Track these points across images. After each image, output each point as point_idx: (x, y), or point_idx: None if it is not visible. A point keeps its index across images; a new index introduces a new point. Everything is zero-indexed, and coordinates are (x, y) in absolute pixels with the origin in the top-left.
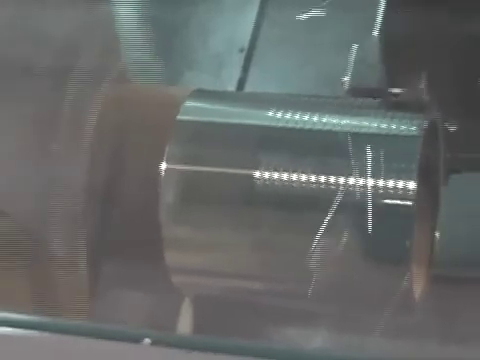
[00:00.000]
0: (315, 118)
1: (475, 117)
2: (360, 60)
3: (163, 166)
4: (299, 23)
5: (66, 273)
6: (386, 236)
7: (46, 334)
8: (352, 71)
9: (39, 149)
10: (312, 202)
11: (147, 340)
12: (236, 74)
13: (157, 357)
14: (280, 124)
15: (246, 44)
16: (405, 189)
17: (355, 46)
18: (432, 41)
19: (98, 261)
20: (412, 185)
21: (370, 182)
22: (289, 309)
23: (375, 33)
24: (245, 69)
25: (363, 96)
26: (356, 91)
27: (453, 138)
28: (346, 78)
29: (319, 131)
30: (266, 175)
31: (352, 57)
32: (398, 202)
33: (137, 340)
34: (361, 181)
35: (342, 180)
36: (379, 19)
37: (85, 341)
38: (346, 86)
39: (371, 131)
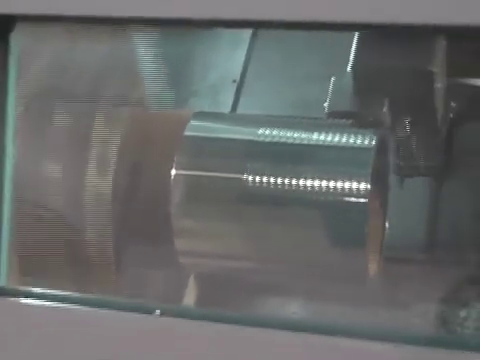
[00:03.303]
0: (291, 134)
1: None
2: (337, 90)
3: (173, 172)
4: (281, 59)
5: (96, 256)
6: (347, 226)
7: (79, 307)
8: (330, 98)
9: (76, 159)
10: (289, 200)
11: (158, 311)
12: (230, 100)
13: (166, 326)
14: (263, 139)
15: (238, 76)
16: (361, 189)
17: (333, 78)
18: (392, 74)
19: (121, 246)
20: (366, 186)
21: (334, 184)
22: (271, 284)
23: (348, 68)
24: (237, 96)
25: (340, 118)
26: (334, 114)
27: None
28: (326, 104)
29: (294, 144)
30: (252, 178)
31: (330, 87)
32: (356, 199)
33: (150, 311)
34: (327, 183)
35: (312, 182)
36: (351, 57)
37: (108, 312)
38: (326, 110)
39: (334, 144)
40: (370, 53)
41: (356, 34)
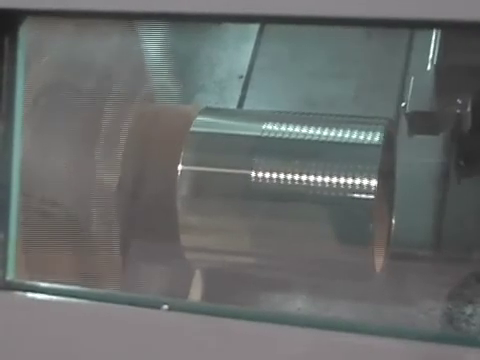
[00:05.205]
0: (298, 130)
1: None
2: (416, 89)
3: (179, 167)
4: (286, 55)
5: (102, 251)
6: (353, 222)
7: (85, 301)
8: (410, 98)
9: (83, 153)
10: (295, 196)
11: (165, 306)
12: (236, 95)
13: (173, 320)
14: (270, 135)
15: (244, 72)
16: (368, 186)
17: (412, 78)
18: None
19: (128, 242)
20: (373, 183)
21: (341, 180)
22: (277, 280)
23: (428, 67)
24: (243, 91)
25: (419, 119)
26: (414, 114)
27: None
28: (404, 104)
29: (301, 140)
30: (259, 174)
31: (410, 87)
32: (363, 196)
33: (157, 306)
34: (334, 179)
35: (319, 179)
36: (431, 57)
37: (115, 307)
38: (406, 110)
39: (342, 140)
40: (454, 51)
41: (435, 32)
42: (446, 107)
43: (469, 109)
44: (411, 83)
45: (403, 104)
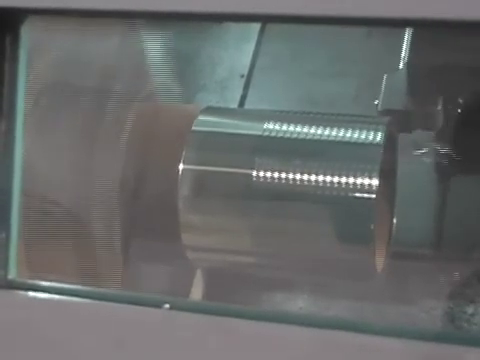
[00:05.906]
0: (299, 129)
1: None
2: (389, 87)
3: (180, 167)
4: (287, 55)
5: (104, 250)
6: (354, 221)
7: (87, 300)
8: (383, 96)
9: (85, 153)
10: (296, 196)
11: (166, 305)
12: (237, 95)
13: (174, 319)
14: (271, 134)
15: (246, 71)
16: (369, 185)
17: (385, 76)
18: (446, 71)
19: (129, 241)
20: (375, 182)
21: (342, 180)
22: (278, 279)
23: (401, 66)
24: (245, 91)
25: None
26: (386, 112)
27: None
28: (377, 101)
29: (302, 139)
30: (260, 174)
31: (383, 84)
32: (364, 195)
33: (158, 305)
34: (335, 179)
35: (320, 178)
36: (403, 55)
37: (116, 306)
38: (379, 108)
39: (343, 139)
40: (426, 50)
41: (408, 31)
42: (418, 105)
43: (439, 107)
44: (384, 81)
45: (376, 102)
